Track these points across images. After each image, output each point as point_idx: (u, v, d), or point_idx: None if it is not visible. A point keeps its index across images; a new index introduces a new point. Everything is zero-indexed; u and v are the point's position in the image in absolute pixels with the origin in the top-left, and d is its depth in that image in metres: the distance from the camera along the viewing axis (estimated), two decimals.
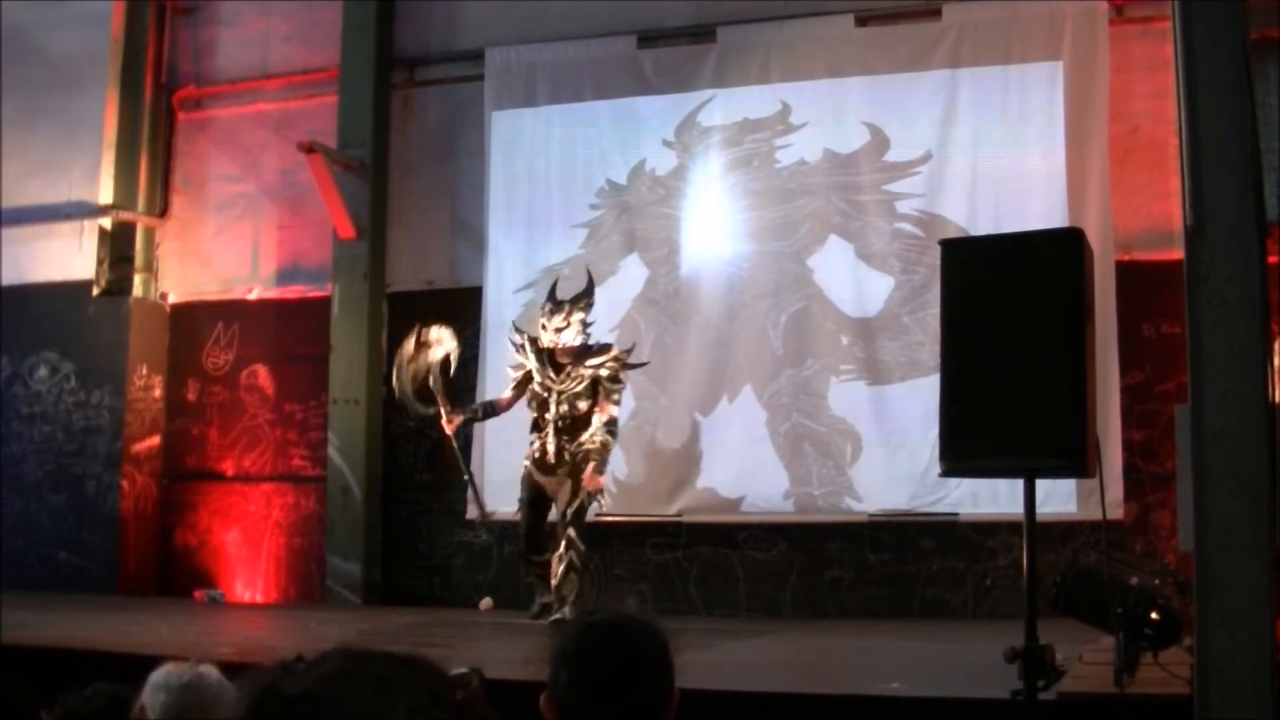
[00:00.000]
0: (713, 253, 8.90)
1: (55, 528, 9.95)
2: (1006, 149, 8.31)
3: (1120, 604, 4.17)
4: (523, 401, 7.46)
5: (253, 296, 10.22)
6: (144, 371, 10.17)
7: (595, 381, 7.24)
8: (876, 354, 8.44)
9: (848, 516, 8.39)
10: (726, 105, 8.95)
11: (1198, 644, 3.51)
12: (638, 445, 8.68)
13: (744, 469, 8.61)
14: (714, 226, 8.90)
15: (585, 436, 7.19)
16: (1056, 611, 4.51)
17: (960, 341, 3.76)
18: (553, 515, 7.37)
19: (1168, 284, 6.82)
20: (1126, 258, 8.05)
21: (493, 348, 9.00)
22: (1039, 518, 3.78)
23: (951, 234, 7.61)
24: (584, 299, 7.41)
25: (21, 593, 8.58)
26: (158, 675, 2.54)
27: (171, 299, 10.48)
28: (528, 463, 7.33)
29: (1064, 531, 7.52)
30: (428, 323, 7.71)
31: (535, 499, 7.33)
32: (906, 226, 8.48)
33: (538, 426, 7.28)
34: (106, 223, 10.30)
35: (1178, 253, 4.39)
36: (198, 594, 9.59)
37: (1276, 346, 3.79)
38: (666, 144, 9.07)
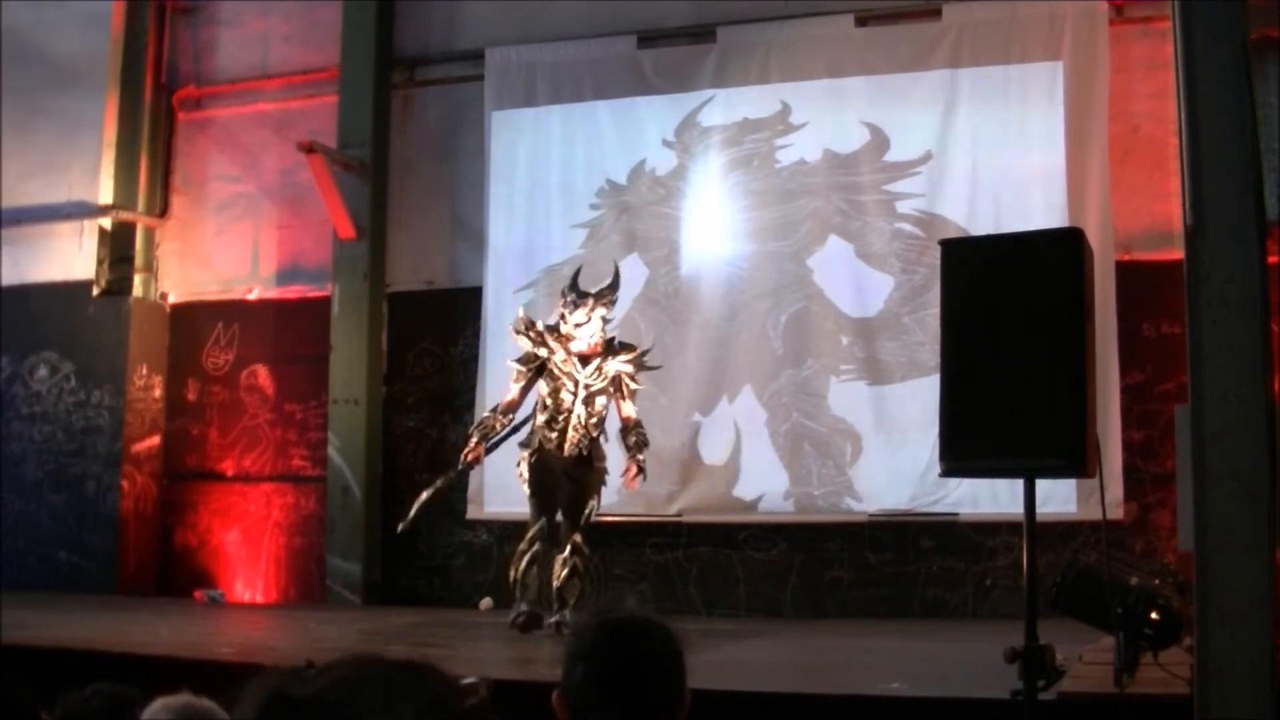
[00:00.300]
0: (713, 253, 8.90)
1: (55, 528, 9.95)
2: (1006, 149, 8.32)
3: (1120, 604, 4.17)
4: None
5: (253, 296, 10.21)
6: (144, 371, 10.17)
7: (616, 379, 7.01)
8: (876, 354, 8.44)
9: (848, 516, 8.39)
10: (726, 105, 8.95)
11: (1198, 644, 3.51)
12: None
13: (744, 469, 8.62)
14: (714, 226, 8.91)
15: (630, 440, 6.95)
16: (1056, 611, 4.50)
17: (960, 341, 3.76)
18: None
19: (1168, 284, 6.83)
20: (1126, 258, 8.06)
21: (493, 348, 8.99)
22: (1039, 518, 3.78)
23: (951, 234, 7.62)
24: (609, 294, 7.06)
25: (21, 593, 8.58)
26: (153, 708, 2.52)
27: (171, 299, 10.48)
28: (531, 454, 6.94)
29: (1064, 531, 7.52)
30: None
31: (550, 489, 6.95)
32: (906, 226, 8.49)
33: (552, 419, 6.90)
34: (106, 223, 10.30)
35: (1178, 253, 4.39)
36: (198, 594, 9.59)
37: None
38: (666, 144, 9.07)
